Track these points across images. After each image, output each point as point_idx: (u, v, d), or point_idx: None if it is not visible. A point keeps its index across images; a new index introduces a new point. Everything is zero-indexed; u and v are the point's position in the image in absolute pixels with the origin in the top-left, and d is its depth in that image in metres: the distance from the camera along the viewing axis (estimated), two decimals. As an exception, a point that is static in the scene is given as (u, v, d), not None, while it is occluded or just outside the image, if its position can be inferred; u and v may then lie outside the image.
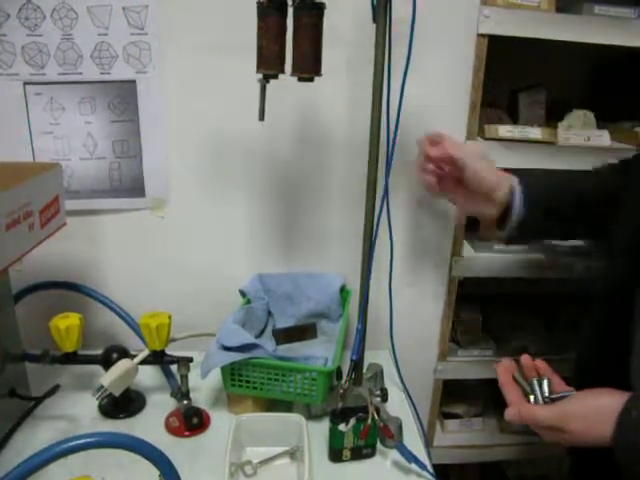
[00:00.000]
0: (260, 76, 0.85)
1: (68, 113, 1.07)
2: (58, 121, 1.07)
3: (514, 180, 0.87)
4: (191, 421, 0.97)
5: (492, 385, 1.45)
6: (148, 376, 1.11)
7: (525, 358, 0.81)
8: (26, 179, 0.84)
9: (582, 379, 0.77)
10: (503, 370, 0.80)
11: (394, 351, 1.08)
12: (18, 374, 0.97)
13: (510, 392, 0.77)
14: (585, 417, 0.67)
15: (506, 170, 0.90)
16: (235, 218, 1.17)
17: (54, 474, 0.75)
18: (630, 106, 1.24)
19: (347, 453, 0.92)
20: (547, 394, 0.75)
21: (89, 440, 0.57)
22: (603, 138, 1.17)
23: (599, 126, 1.20)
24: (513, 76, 1.24)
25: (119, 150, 1.10)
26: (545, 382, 0.76)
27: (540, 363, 0.80)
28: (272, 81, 0.85)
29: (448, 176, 0.89)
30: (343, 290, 1.19)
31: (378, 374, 1.08)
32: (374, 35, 0.86)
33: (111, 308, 1.13)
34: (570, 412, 0.68)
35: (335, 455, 0.92)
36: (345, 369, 0.97)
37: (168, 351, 1.01)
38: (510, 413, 0.73)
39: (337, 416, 0.89)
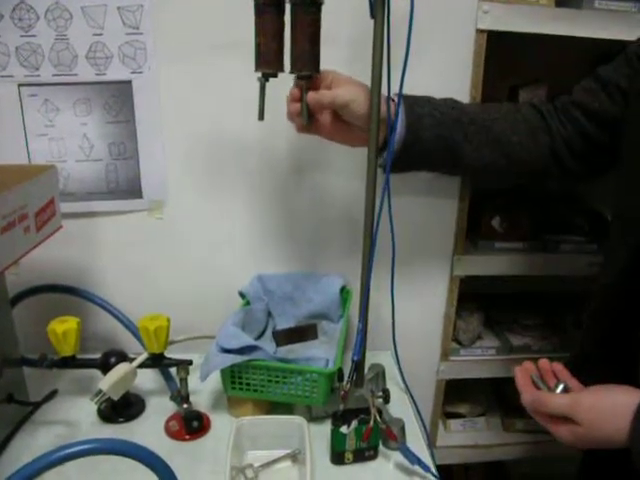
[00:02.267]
0: (259, 75, 0.84)
1: (63, 114, 1.05)
2: (53, 123, 1.06)
3: (398, 103, 0.87)
4: (191, 425, 0.96)
5: (495, 384, 1.45)
6: (147, 380, 1.09)
7: (543, 362, 0.81)
8: (21, 181, 0.83)
9: (581, 375, 0.76)
10: (521, 371, 0.80)
11: (396, 351, 1.07)
12: (16, 379, 0.96)
13: (526, 389, 0.76)
14: (598, 409, 0.66)
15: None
16: (234, 219, 1.16)
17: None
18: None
19: (349, 455, 0.90)
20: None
21: (85, 447, 0.56)
22: (604, 133, 1.16)
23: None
24: (513, 72, 1.23)
25: (115, 151, 1.09)
26: (561, 386, 0.75)
27: (557, 366, 0.80)
28: (270, 79, 0.84)
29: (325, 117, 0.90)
30: (343, 290, 1.18)
31: (380, 375, 1.07)
32: (372, 31, 0.85)
33: (109, 311, 1.12)
34: (583, 401, 0.68)
35: (337, 458, 0.91)
36: (346, 370, 0.96)
37: (167, 354, 1.00)
38: (525, 398, 0.74)
39: (339, 418, 0.88)
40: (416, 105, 0.88)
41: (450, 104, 0.93)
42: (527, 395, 0.74)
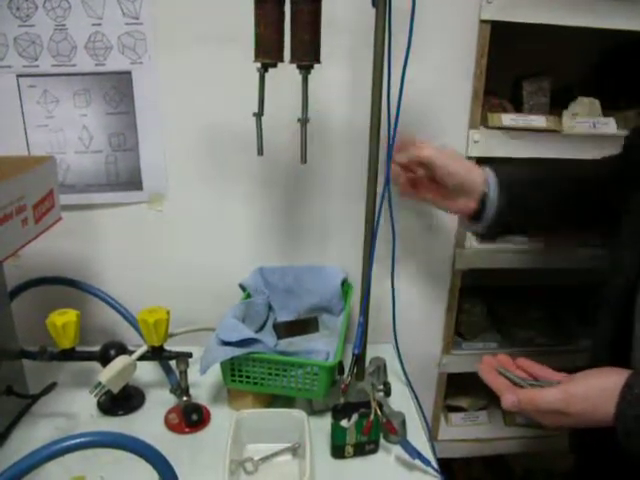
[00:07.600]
0: (258, 65, 0.83)
1: (63, 106, 1.05)
2: (52, 114, 1.05)
3: (488, 172, 0.87)
4: (191, 417, 0.95)
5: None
6: (147, 372, 1.09)
7: (502, 357, 0.79)
8: (18, 173, 0.82)
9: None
10: (486, 368, 0.77)
11: (397, 344, 1.07)
12: (15, 371, 0.96)
13: (498, 383, 0.73)
14: (589, 398, 0.65)
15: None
16: (235, 211, 1.16)
17: (51, 472, 0.74)
18: (636, 93, 1.22)
19: (350, 449, 0.90)
20: (536, 381, 0.73)
21: (83, 440, 0.56)
22: (609, 126, 1.15)
23: (605, 114, 1.18)
24: (517, 63, 1.22)
25: (115, 143, 1.08)
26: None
27: (524, 362, 0.77)
28: (270, 70, 0.83)
29: (421, 178, 0.90)
30: (344, 283, 1.18)
31: (381, 368, 1.06)
32: (374, 21, 0.84)
33: (109, 303, 1.11)
34: (574, 394, 0.66)
35: (337, 451, 0.90)
36: (347, 363, 0.96)
37: (167, 347, 0.99)
38: (508, 400, 0.68)
39: (339, 412, 0.88)
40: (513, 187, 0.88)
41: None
42: (511, 396, 0.69)
